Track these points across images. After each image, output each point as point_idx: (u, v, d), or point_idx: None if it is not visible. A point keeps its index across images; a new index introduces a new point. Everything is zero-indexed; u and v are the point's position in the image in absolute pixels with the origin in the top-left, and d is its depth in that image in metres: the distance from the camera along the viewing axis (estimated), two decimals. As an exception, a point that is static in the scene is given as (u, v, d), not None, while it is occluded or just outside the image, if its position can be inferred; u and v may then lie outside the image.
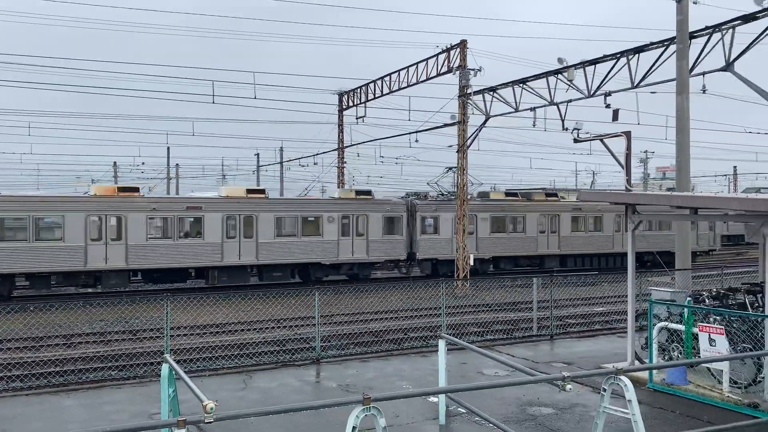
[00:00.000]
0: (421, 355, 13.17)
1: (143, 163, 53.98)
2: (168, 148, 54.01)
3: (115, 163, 56.72)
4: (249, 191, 27.44)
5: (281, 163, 53.79)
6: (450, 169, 33.11)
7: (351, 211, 28.81)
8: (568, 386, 6.00)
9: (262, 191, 28.16)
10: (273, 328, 17.77)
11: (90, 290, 26.06)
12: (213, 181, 61.95)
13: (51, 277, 24.04)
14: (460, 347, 8.92)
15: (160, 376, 6.76)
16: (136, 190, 25.49)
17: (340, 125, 37.73)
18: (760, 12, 16.85)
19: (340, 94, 37.09)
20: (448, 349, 8.41)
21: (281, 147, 54.15)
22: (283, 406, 5.30)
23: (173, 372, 6.52)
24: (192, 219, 25.72)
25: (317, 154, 41.06)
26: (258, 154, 57.21)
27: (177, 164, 57.97)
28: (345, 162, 38.98)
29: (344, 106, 37.16)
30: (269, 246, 26.88)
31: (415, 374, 11.51)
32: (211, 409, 4.64)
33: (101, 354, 14.25)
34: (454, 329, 15.95)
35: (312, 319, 14.45)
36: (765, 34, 16.92)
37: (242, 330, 17.47)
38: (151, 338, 16.36)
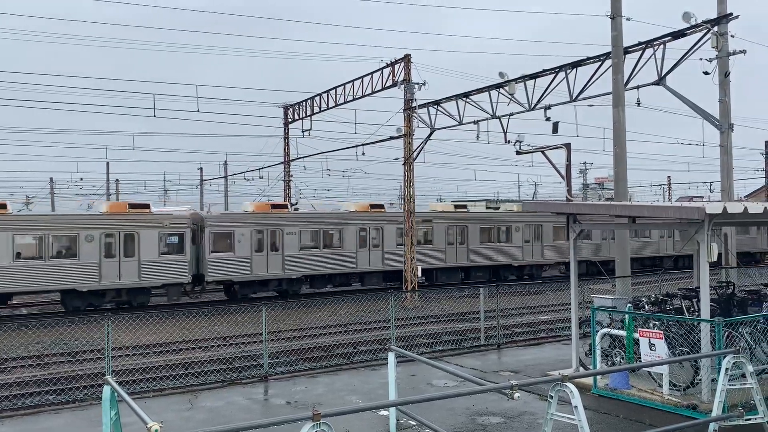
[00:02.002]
0: (371, 368, 13.13)
1: (81, 179, 52.37)
2: (107, 163, 52.59)
3: (51, 179, 54.83)
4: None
5: (225, 177, 53.05)
6: None
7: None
8: (516, 394, 6.09)
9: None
10: (219, 346, 17.44)
11: (25, 311, 25.03)
12: (155, 197, 60.53)
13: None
14: (410, 359, 8.95)
15: (101, 398, 6.52)
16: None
17: (286, 138, 37.52)
18: (688, 29, 17.66)
19: (286, 107, 36.91)
20: (398, 362, 8.42)
21: (225, 161, 53.47)
22: (230, 425, 5.19)
23: (115, 394, 6.31)
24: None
25: (263, 168, 40.68)
26: (201, 168, 56.31)
27: (117, 180, 56.47)
28: (291, 175, 38.74)
29: (290, 119, 36.97)
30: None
31: (365, 388, 11.47)
32: (155, 431, 4.51)
33: (38, 378, 13.67)
34: (404, 341, 15.98)
35: (260, 335, 14.23)
36: (693, 50, 17.72)
37: (188, 349, 17.06)
38: (92, 360, 15.80)
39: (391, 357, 8.31)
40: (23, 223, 23.69)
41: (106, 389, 6.38)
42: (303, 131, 34.70)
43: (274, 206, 29.13)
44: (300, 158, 36.94)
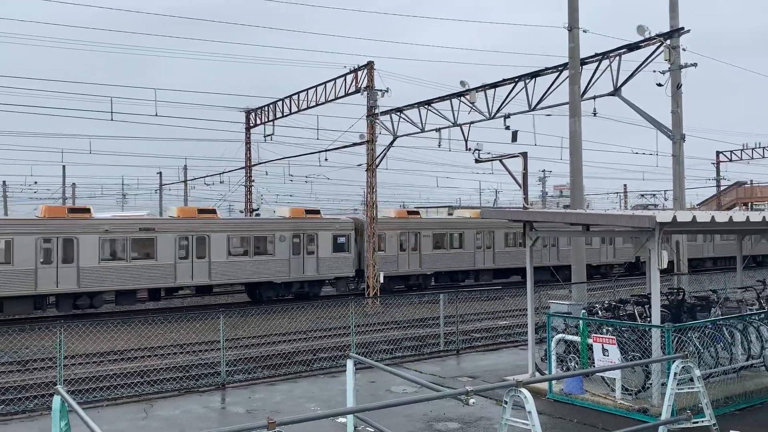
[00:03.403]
0: (331, 375, 13.10)
1: (36, 183, 51.01)
2: (63, 167, 51.38)
3: (4, 182, 53.31)
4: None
5: (185, 181, 52.32)
6: None
7: None
8: (472, 400, 6.16)
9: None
10: (177, 353, 17.16)
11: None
12: (112, 201, 59.35)
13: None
14: (370, 366, 8.97)
15: (51, 409, 6.38)
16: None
17: (248, 143, 37.24)
18: (642, 42, 18.18)
19: (248, 112, 36.65)
20: (357, 368, 8.44)
21: (185, 165, 52.74)
22: (185, 435, 5.14)
23: (66, 404, 6.17)
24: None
25: (223, 173, 40.33)
26: (161, 173, 55.39)
27: (74, 184, 55.20)
28: (253, 181, 38.46)
29: (252, 124, 36.72)
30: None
31: (324, 395, 11.44)
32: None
33: (-15, 388, 13.24)
34: (364, 348, 15.98)
35: (218, 342, 14.07)
36: (647, 62, 18.25)
37: (144, 356, 16.75)
38: (43, 368, 15.37)
39: (350, 364, 8.32)
40: (232, 225, 28.07)
41: (56, 399, 6.24)
42: (265, 136, 34.50)
43: (410, 212, 33.98)
44: (262, 163, 36.73)
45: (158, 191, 56.25)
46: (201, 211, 28.04)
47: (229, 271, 27.13)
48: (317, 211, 31.32)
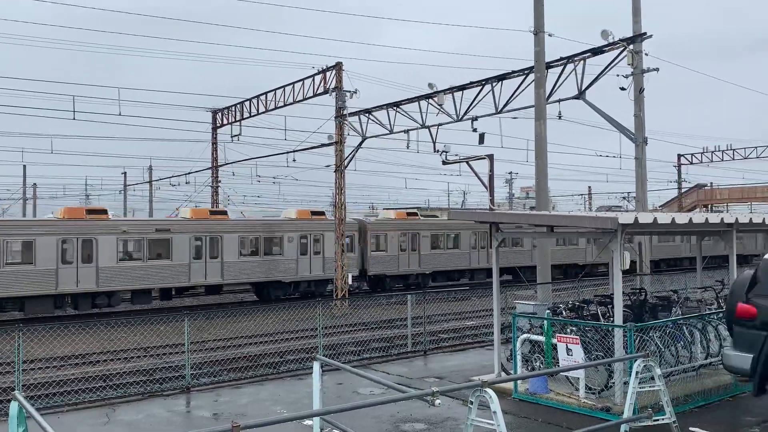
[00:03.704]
0: (298, 378, 13.04)
1: (-6, 183, 49.73)
2: (24, 167, 50.18)
3: (-40, 182, 51.89)
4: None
5: (150, 182, 51.54)
6: None
7: None
8: (437, 401, 6.19)
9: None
10: (140, 357, 16.89)
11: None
12: (75, 202, 58.15)
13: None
14: (338, 368, 8.94)
15: (8, 415, 6.22)
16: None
17: (214, 143, 36.86)
18: (606, 46, 18.50)
19: (214, 112, 36.26)
20: (325, 370, 8.40)
21: (150, 165, 51.93)
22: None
23: (23, 410, 6.03)
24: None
25: (189, 173, 39.83)
26: (125, 173, 54.48)
27: (34, 184, 53.98)
28: (220, 181, 38.06)
29: (218, 124, 36.34)
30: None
31: (290, 398, 11.38)
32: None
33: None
34: (332, 349, 15.93)
35: (183, 345, 13.88)
36: (611, 66, 18.58)
37: (107, 360, 16.44)
38: (1, 373, 14.97)
39: (316, 366, 8.29)
40: (243, 226, 28.73)
41: (14, 405, 6.09)
42: (232, 136, 34.18)
43: (408, 213, 34.47)
44: (229, 164, 36.39)
45: (123, 192, 55.33)
46: (213, 212, 28.83)
47: (240, 270, 27.98)
48: (322, 213, 32.53)
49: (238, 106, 33.45)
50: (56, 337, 17.42)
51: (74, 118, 27.22)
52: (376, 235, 31.86)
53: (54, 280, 23.77)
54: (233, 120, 34.16)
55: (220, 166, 37.00)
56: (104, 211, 26.15)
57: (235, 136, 33.92)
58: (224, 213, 29.59)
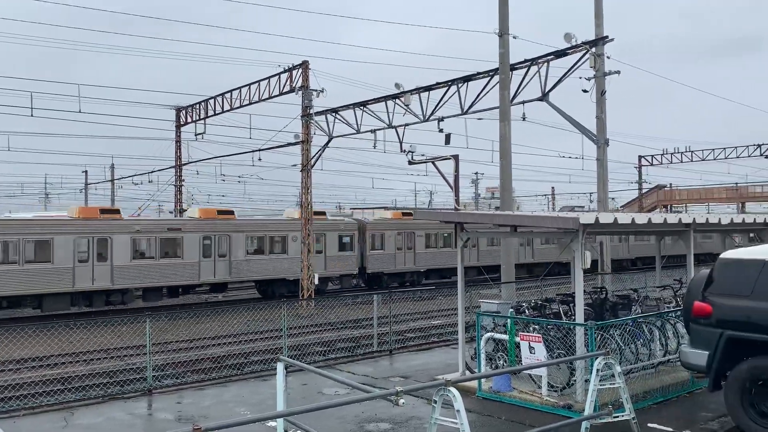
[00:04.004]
0: (262, 379, 12.94)
1: (-52, 181, 48.24)
2: (-21, 164, 48.81)
3: None
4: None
5: (112, 180, 50.57)
6: None
7: None
8: (401, 400, 6.20)
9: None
10: (101, 359, 16.57)
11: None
12: (34, 201, 56.75)
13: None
14: (302, 368, 8.89)
15: (-41, 421, 6.04)
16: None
17: (178, 142, 36.33)
18: (569, 49, 18.78)
19: (178, 110, 35.74)
20: (290, 371, 8.36)
21: (112, 164, 50.95)
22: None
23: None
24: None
25: (152, 172, 39.22)
26: (86, 171, 53.34)
27: (-10, 182, 52.43)
28: (183, 180, 37.54)
29: (182, 122, 35.83)
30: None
31: (254, 399, 11.29)
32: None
33: None
34: (297, 350, 15.86)
35: (145, 347, 13.66)
36: (574, 68, 18.86)
37: (66, 363, 16.09)
38: (-45, 378, 14.53)
39: (280, 367, 8.24)
40: (250, 226, 29.64)
41: (-35, 410, 5.91)
42: (196, 134, 33.74)
43: (404, 213, 35.08)
44: (192, 162, 35.93)
45: (83, 190, 54.18)
46: (220, 212, 29.67)
47: (247, 268, 28.94)
48: (323, 213, 33.27)
49: (203, 104, 33.02)
50: (13, 340, 16.96)
51: (32, 115, 26.55)
52: (374, 235, 32.89)
53: (71, 277, 24.42)
54: (197, 118, 33.72)
55: (184, 164, 36.50)
56: (117, 211, 27.14)
57: (199, 134, 33.49)
58: (231, 213, 30.48)
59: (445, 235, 34.90)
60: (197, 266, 27.43)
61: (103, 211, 26.78)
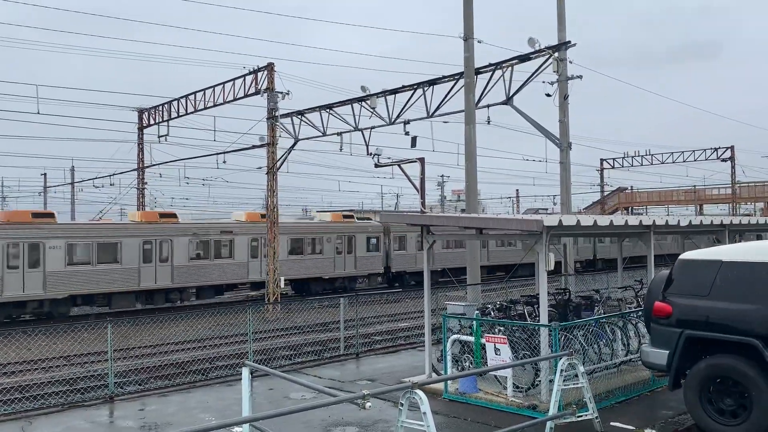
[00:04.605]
0: (227, 384, 12.79)
1: None
2: (-69, 167, 47.24)
3: None
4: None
5: (72, 183, 49.47)
6: None
7: None
8: (368, 404, 6.21)
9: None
10: (61, 366, 16.18)
11: None
12: (-10, 204, 55.20)
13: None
14: (268, 373, 8.81)
15: None
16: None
17: (140, 144, 35.72)
18: (532, 53, 19.04)
19: (140, 111, 35.14)
20: (256, 376, 8.27)
21: (72, 166, 49.83)
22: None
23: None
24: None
25: (114, 174, 38.49)
26: (45, 174, 52.08)
27: (-57, 185, 50.82)
28: (146, 183, 36.92)
29: (145, 124, 35.24)
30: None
31: (219, 405, 11.15)
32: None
33: None
34: (264, 354, 15.73)
35: (107, 353, 13.38)
36: (537, 73, 19.12)
37: (24, 371, 15.66)
38: None
39: (245, 372, 8.16)
40: (290, 229, 31.58)
41: None
42: (159, 137, 33.19)
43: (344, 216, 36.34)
44: (155, 165, 35.34)
45: (42, 193, 52.90)
46: (264, 216, 30.71)
47: (289, 268, 30.74)
48: (352, 216, 36.15)
49: (166, 105, 32.52)
50: (-32, 348, 16.46)
51: (-12, 116, 25.81)
52: (398, 236, 35.24)
53: (137, 277, 26.53)
54: (160, 120, 33.18)
55: (147, 167, 35.90)
56: (174, 215, 29.52)
57: (162, 136, 32.95)
58: (352, 217, 34.37)
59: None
60: (246, 266, 29.97)
61: (162, 215, 29.01)
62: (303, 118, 27.67)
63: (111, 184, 39.09)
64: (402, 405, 6.84)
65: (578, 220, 10.23)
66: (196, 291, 29.22)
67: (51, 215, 26.38)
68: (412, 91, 22.79)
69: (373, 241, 34.41)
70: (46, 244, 24.48)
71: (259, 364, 10.66)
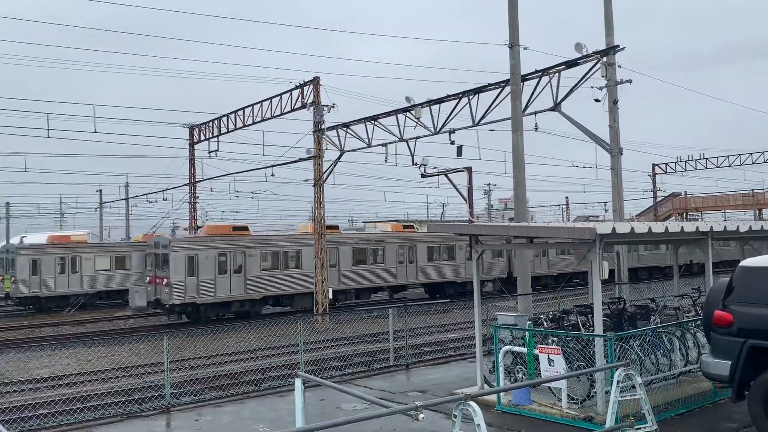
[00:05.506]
0: (280, 395, 12.92)
1: (-33, 202, 48.96)
2: (-4, 186, 49.43)
3: None
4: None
5: (126, 199, 51.04)
6: None
7: None
8: (421, 415, 6.17)
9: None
10: (119, 377, 16.63)
11: None
12: (50, 221, 57.33)
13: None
14: (319, 384, 8.88)
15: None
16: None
17: (192, 159, 36.60)
18: (580, 59, 18.74)
19: (191, 128, 36.04)
20: (307, 387, 8.34)
21: (126, 182, 51.44)
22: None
23: (-1, 436, 5.90)
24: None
25: (167, 190, 39.53)
26: (101, 191, 53.87)
27: (7, 203, 53.10)
28: (197, 197, 37.78)
29: (195, 140, 36.12)
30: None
31: (272, 415, 11.27)
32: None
33: None
34: (314, 365, 15.84)
35: (163, 364, 13.69)
36: (585, 78, 18.81)
37: (84, 381, 16.15)
38: (-25, 398, 14.63)
39: (298, 383, 8.23)
40: (429, 238, 34.71)
41: (-11, 431, 5.96)
42: (209, 152, 33.94)
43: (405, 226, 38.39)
44: (206, 179, 36.14)
45: (98, 209, 54.70)
46: (405, 226, 35.43)
47: (426, 272, 34.52)
48: (412, 226, 38.27)
49: (215, 121, 33.27)
50: (32, 359, 17.10)
51: (48, 136, 26.92)
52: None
53: (314, 280, 28.80)
54: (210, 136, 33.96)
55: (198, 182, 36.74)
56: (336, 227, 33.73)
57: (213, 151, 33.72)
58: (412, 227, 36.85)
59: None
60: (395, 271, 33.73)
61: (329, 227, 31.68)
62: (348, 130, 27.87)
63: (164, 199, 40.19)
64: (455, 417, 6.78)
65: (632, 228, 10.01)
66: (355, 292, 33.31)
67: (246, 228, 31.51)
68: (457, 100, 22.70)
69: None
70: (247, 253, 29.03)
71: (310, 374, 10.74)
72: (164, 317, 29.79)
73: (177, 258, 27.08)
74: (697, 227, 11.57)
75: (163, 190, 39.90)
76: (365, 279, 33.37)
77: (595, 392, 9.95)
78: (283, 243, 30.67)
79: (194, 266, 27.51)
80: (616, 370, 8.42)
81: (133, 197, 48.55)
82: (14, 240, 42.82)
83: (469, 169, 22.39)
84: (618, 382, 8.22)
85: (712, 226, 11.69)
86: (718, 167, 51.76)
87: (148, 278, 29.12)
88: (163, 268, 27.62)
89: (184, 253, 27.35)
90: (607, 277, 10.01)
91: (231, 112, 31.56)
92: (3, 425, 5.84)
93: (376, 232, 36.79)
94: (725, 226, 12.13)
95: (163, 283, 27.40)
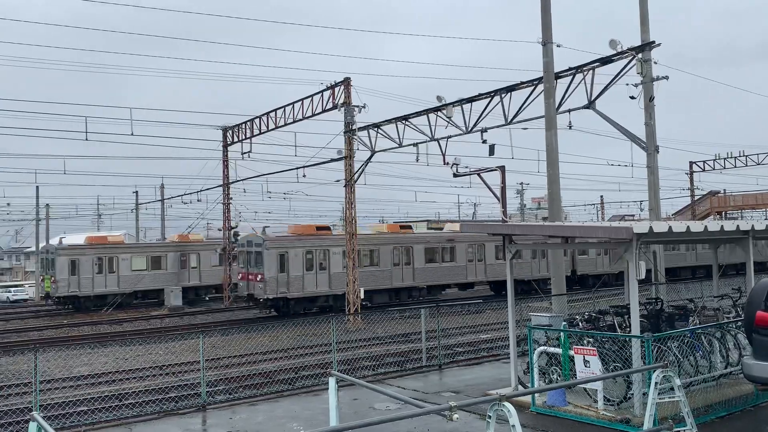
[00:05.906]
0: (313, 393, 12.99)
1: (8, 204, 50.36)
2: (37, 188, 50.69)
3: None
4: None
5: (162, 200, 51.90)
6: None
7: None
8: (455, 416, 6.14)
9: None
10: (155, 375, 16.91)
11: None
12: (87, 222, 58.61)
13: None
14: (352, 383, 8.91)
15: (26, 437, 6.24)
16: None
17: (225, 161, 37.09)
18: (614, 55, 18.44)
19: (225, 130, 36.52)
20: (340, 386, 8.37)
21: (162, 184, 52.32)
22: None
23: (42, 430, 6.04)
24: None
25: (201, 191, 40.10)
26: (137, 192, 54.86)
27: (47, 204, 54.43)
28: (231, 198, 38.24)
29: (229, 142, 36.58)
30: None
31: (306, 414, 11.33)
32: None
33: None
34: (347, 365, 15.89)
35: (198, 363, 13.90)
36: (620, 75, 18.50)
37: (122, 379, 16.47)
38: (19, 394, 15.06)
39: (332, 382, 8.26)
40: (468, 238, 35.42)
41: (32, 426, 6.12)
42: (242, 153, 34.37)
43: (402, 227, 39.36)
44: (239, 180, 36.58)
45: (134, 210, 55.72)
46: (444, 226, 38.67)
47: (494, 270, 35.73)
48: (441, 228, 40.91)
49: (248, 123, 33.66)
50: (72, 357, 17.49)
51: (86, 139, 27.53)
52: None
53: (390, 277, 32.03)
54: (243, 137, 34.37)
55: (232, 183, 37.20)
56: (409, 226, 36.23)
57: (246, 153, 34.11)
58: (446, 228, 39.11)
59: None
60: (465, 268, 35.09)
61: (402, 226, 34.91)
62: (379, 130, 27.89)
63: (198, 200, 40.78)
64: (489, 417, 6.72)
65: (670, 227, 9.81)
66: (427, 288, 34.44)
67: (328, 228, 33.67)
68: (489, 99, 22.53)
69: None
70: (330, 251, 30.73)
71: (342, 374, 10.76)
72: (200, 316, 30.25)
73: (270, 255, 28.74)
74: (738, 226, 11.29)
75: (197, 191, 40.51)
76: (437, 276, 34.56)
77: (632, 394, 9.78)
78: (360, 243, 31.14)
79: (285, 263, 29.22)
80: (654, 371, 8.27)
81: (169, 198, 49.37)
82: (53, 241, 43.91)
83: (502, 169, 22.20)
84: (656, 383, 8.07)
85: (753, 225, 11.40)
86: (758, 164, 50.44)
87: (240, 275, 30.68)
88: (257, 265, 29.12)
89: (276, 251, 29.05)
90: (644, 276, 9.83)
91: (263, 114, 31.89)
92: (46, 421, 6.01)
93: (447, 231, 37.92)
94: (767, 225, 11.81)
95: (257, 279, 28.92)
